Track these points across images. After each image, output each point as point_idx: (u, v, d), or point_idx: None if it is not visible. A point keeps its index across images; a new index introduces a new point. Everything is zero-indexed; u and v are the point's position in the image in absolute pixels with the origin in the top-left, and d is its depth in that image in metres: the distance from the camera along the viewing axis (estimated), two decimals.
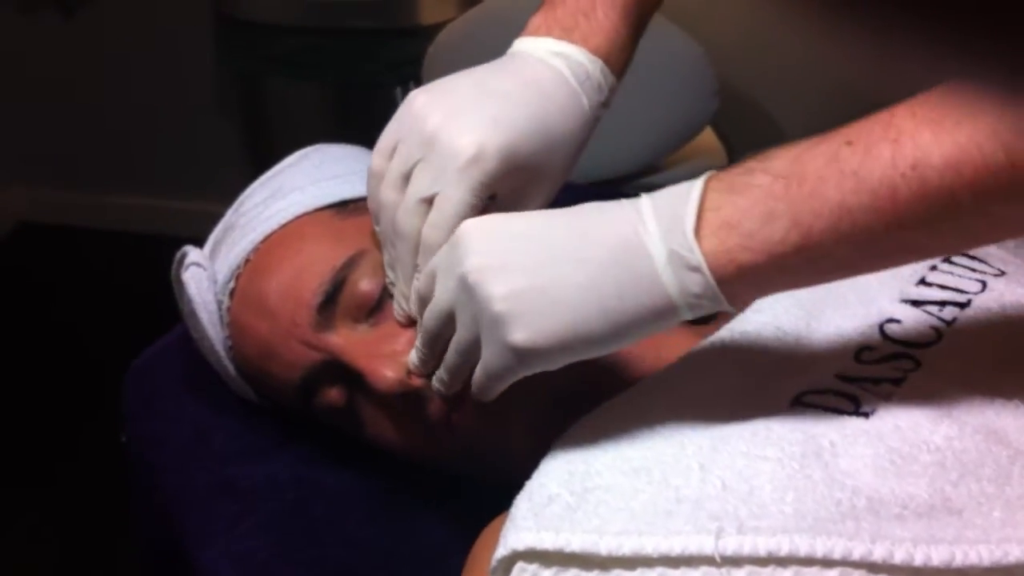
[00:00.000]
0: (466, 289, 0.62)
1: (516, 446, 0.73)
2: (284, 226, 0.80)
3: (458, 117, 0.67)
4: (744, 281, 0.58)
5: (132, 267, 1.93)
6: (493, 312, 0.61)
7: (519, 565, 0.59)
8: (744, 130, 1.61)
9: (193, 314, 0.81)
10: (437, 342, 0.68)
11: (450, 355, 0.67)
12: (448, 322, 0.66)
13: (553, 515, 0.59)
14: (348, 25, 1.87)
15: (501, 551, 0.60)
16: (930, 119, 0.53)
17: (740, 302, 0.60)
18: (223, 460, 0.87)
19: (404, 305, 0.73)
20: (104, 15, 2.37)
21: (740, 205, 0.58)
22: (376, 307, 0.75)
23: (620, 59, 0.74)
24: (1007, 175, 0.51)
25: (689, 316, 0.60)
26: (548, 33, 0.72)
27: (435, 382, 0.70)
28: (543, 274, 0.60)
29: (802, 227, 0.56)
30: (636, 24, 0.75)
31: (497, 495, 0.68)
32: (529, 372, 0.63)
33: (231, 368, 0.83)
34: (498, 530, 0.62)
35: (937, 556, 0.53)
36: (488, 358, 0.63)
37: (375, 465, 0.84)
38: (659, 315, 0.60)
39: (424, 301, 0.68)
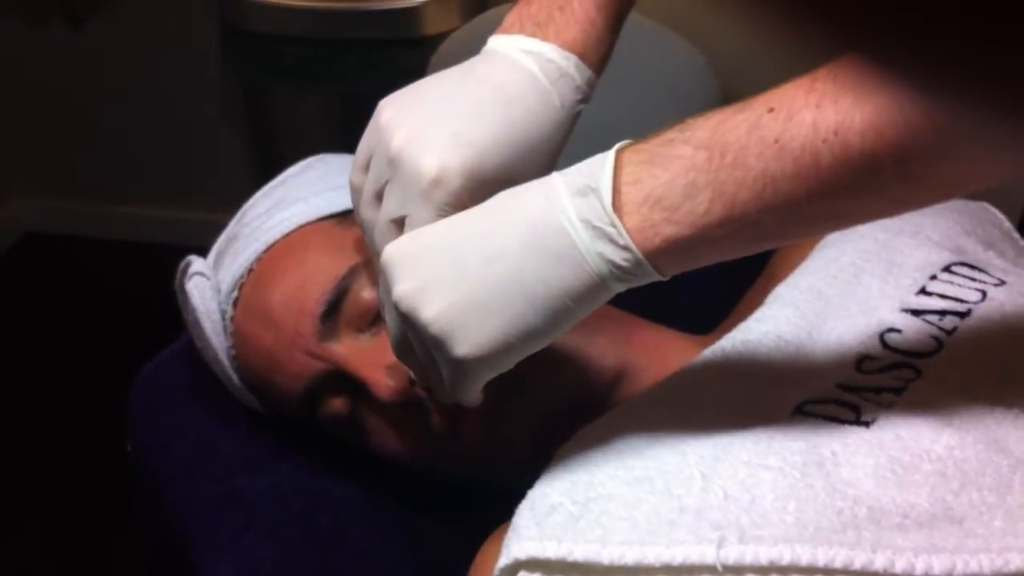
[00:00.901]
0: (399, 311, 0.61)
1: (519, 455, 0.73)
2: (287, 236, 0.80)
3: (420, 136, 0.65)
4: (671, 252, 0.57)
5: (138, 277, 1.93)
6: (431, 336, 0.60)
7: (521, 574, 0.59)
8: None
9: (197, 323, 0.82)
10: (411, 356, 0.67)
11: (421, 370, 0.67)
12: (409, 345, 0.65)
13: (556, 524, 0.60)
14: (352, 35, 1.87)
15: (504, 560, 0.60)
16: (852, 82, 0.52)
17: (670, 271, 0.59)
18: (228, 470, 0.87)
19: None
20: (111, 27, 2.38)
21: (661, 178, 0.57)
22: (378, 316, 0.75)
23: (597, 52, 0.71)
24: (929, 135, 0.49)
25: (620, 289, 0.60)
26: (520, 30, 0.70)
27: (436, 392, 0.70)
28: (466, 281, 0.60)
29: (726, 198, 0.55)
30: (614, 15, 0.72)
31: (501, 505, 0.68)
32: (487, 378, 0.63)
33: (235, 377, 0.84)
34: (501, 539, 0.63)
35: (938, 565, 0.53)
36: (446, 374, 0.63)
37: (380, 475, 0.84)
38: (591, 293, 0.59)
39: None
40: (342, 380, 0.75)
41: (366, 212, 0.69)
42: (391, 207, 0.66)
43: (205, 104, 2.42)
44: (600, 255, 0.57)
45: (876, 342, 0.69)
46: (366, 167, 0.69)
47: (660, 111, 1.48)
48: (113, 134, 2.49)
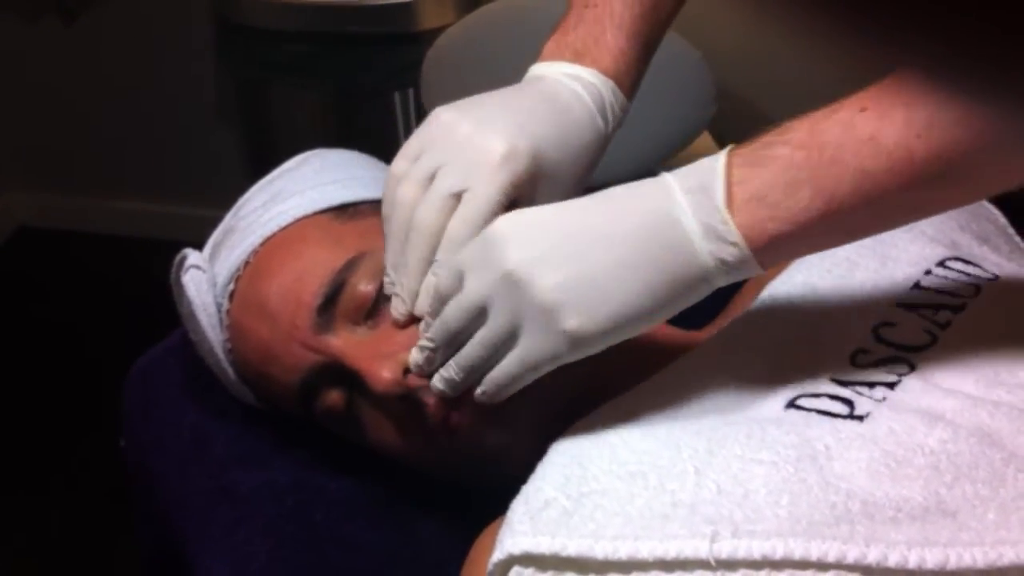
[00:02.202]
0: (510, 283, 0.64)
1: (515, 449, 0.73)
2: (284, 229, 0.80)
3: (488, 124, 0.71)
4: (773, 248, 0.61)
5: (133, 272, 1.93)
6: (545, 302, 0.63)
7: (515, 569, 0.59)
8: (742, 135, 1.61)
9: (192, 316, 0.82)
10: (456, 339, 0.68)
11: (473, 350, 0.67)
12: (476, 317, 0.66)
13: (549, 519, 0.60)
14: (347, 30, 1.87)
15: (498, 555, 0.60)
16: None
17: (768, 265, 0.63)
18: (223, 465, 0.87)
19: (407, 304, 0.73)
20: (105, 22, 2.37)
21: (764, 178, 0.61)
22: (374, 309, 0.75)
23: (628, 80, 0.77)
24: (1017, 126, 0.53)
25: (722, 284, 0.64)
26: (561, 57, 0.76)
27: (439, 383, 0.70)
28: (587, 260, 0.63)
29: (825, 194, 0.60)
30: (644, 46, 0.78)
31: (496, 500, 0.68)
32: (575, 358, 0.65)
33: (231, 371, 0.84)
34: (495, 534, 0.63)
35: (931, 559, 0.53)
36: (530, 348, 0.65)
37: (375, 470, 0.84)
38: (696, 286, 0.63)
39: (444, 298, 0.68)
40: (338, 373, 0.75)
41: (408, 191, 0.71)
42: (450, 182, 0.70)
43: (200, 99, 2.42)
44: (711, 252, 0.62)
45: (870, 336, 0.69)
46: (415, 157, 0.72)
47: (655, 105, 1.48)
48: (107, 128, 2.48)
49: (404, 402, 0.73)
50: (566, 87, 0.74)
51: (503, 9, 1.53)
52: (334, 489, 0.85)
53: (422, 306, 0.72)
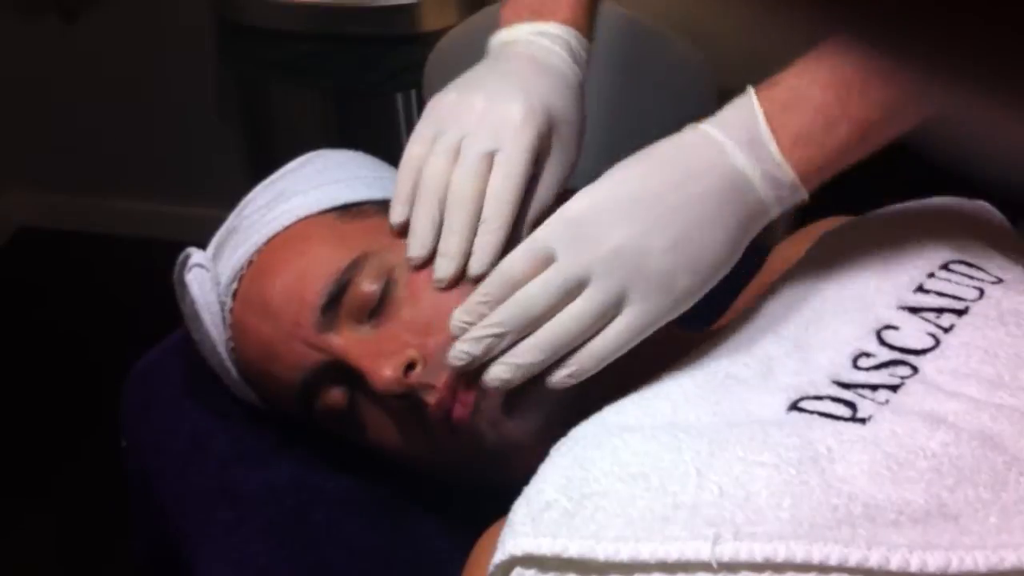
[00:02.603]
0: (621, 256, 0.67)
1: (515, 450, 0.73)
2: (287, 229, 0.80)
3: (497, 93, 0.77)
4: (818, 177, 0.70)
5: (134, 272, 1.93)
6: (663, 267, 0.68)
7: (517, 570, 0.59)
8: None
9: (196, 315, 0.82)
10: (535, 321, 0.69)
11: (565, 326, 0.69)
12: (565, 296, 0.68)
13: (551, 521, 0.59)
14: (349, 31, 1.87)
15: (499, 556, 0.60)
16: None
17: (813, 189, 0.71)
18: (223, 465, 0.87)
19: (456, 261, 0.74)
20: (105, 21, 2.38)
21: (804, 120, 0.69)
22: (377, 308, 0.75)
23: (586, 24, 0.84)
24: None
25: (776, 215, 0.72)
26: (520, 19, 0.83)
27: (504, 372, 0.70)
28: (682, 222, 0.68)
29: (858, 124, 0.69)
30: None
31: (497, 501, 0.68)
32: (677, 315, 0.70)
33: (233, 370, 0.84)
34: (496, 535, 0.63)
35: (933, 562, 0.53)
36: (642, 313, 0.68)
37: (375, 471, 0.84)
38: (759, 222, 0.71)
39: (518, 281, 0.70)
40: (340, 371, 0.75)
41: (439, 162, 0.76)
42: (479, 146, 0.75)
43: (200, 99, 2.42)
44: (771, 194, 0.70)
45: (873, 339, 0.69)
46: (431, 140, 0.77)
47: (657, 106, 1.48)
48: (107, 129, 2.48)
49: (404, 401, 0.73)
50: (539, 45, 0.81)
51: None
52: (334, 490, 0.85)
53: (477, 267, 0.73)
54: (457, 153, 0.75)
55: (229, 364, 0.83)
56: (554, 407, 0.72)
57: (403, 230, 0.77)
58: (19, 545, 1.89)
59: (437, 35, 1.60)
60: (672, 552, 0.56)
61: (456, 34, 1.58)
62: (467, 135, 0.75)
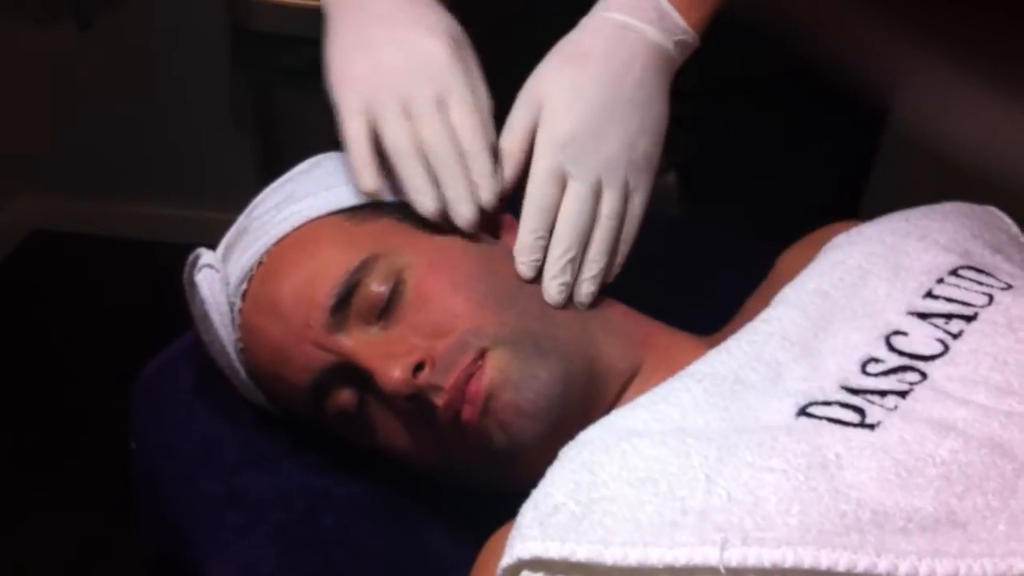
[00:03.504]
0: (617, 156, 0.80)
1: (524, 451, 0.73)
2: (297, 230, 0.81)
3: (404, 41, 0.83)
4: (704, 23, 0.85)
5: (146, 275, 1.94)
6: (643, 151, 0.82)
7: (524, 574, 0.59)
8: None
9: (205, 316, 0.82)
10: (583, 236, 0.80)
11: (608, 226, 0.81)
12: (597, 197, 0.80)
13: (559, 525, 0.59)
14: None
15: (507, 560, 0.60)
16: None
17: (702, 32, 0.85)
18: (231, 470, 0.87)
19: (471, 206, 0.80)
20: (119, 27, 2.39)
21: None
22: (387, 310, 0.76)
23: None
24: None
25: (680, 62, 0.85)
26: None
27: (592, 285, 0.81)
28: (639, 107, 0.82)
29: None
30: None
31: (505, 506, 0.68)
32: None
33: (242, 372, 0.84)
34: (504, 539, 0.63)
35: (941, 569, 0.53)
36: (642, 195, 0.83)
37: (384, 475, 0.84)
38: (672, 72, 0.85)
39: (552, 207, 0.80)
40: (350, 373, 0.76)
41: (399, 126, 0.80)
42: (426, 95, 0.80)
43: (212, 103, 2.42)
44: (675, 46, 0.84)
45: (882, 345, 0.68)
46: (365, 111, 0.81)
47: None
48: (120, 133, 2.50)
49: (413, 403, 0.73)
50: None
51: None
52: (342, 494, 0.85)
53: (486, 196, 0.80)
54: (408, 112, 0.79)
55: (238, 365, 0.83)
56: (560, 412, 0.73)
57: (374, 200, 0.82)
58: (22, 545, 1.89)
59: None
60: (680, 557, 0.55)
61: None
62: (406, 92, 0.80)
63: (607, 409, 0.73)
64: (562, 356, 0.75)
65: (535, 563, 0.59)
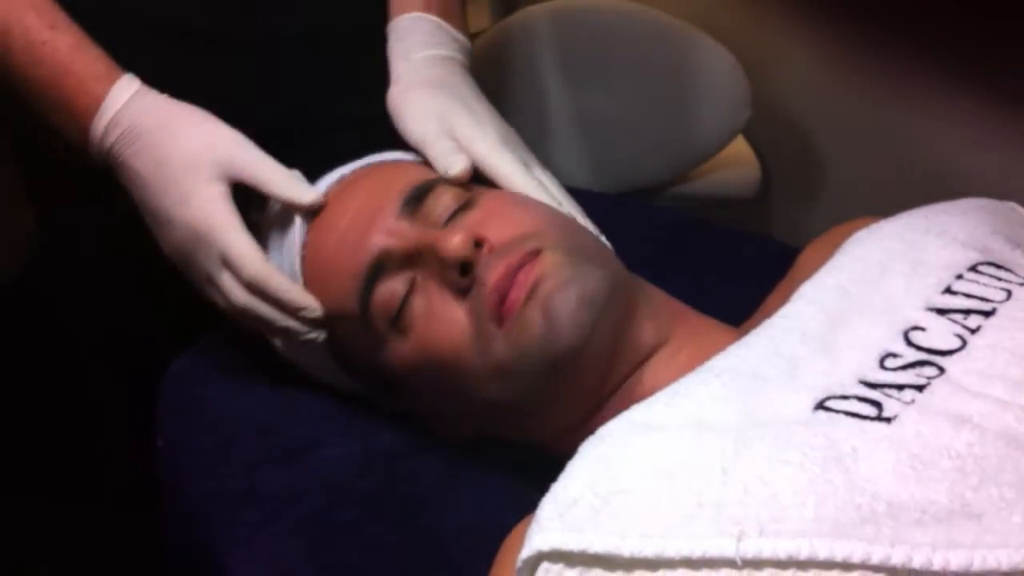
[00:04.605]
0: (511, 136, 0.97)
1: (560, 361, 0.76)
2: (382, 161, 0.94)
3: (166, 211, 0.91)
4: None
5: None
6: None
7: (544, 565, 0.60)
8: (776, 139, 1.60)
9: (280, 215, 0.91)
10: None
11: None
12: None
13: (577, 517, 0.60)
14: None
15: (526, 551, 0.60)
16: None
17: None
18: (251, 466, 0.88)
19: None
20: None
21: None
22: (455, 215, 0.83)
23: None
24: None
25: None
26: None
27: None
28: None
29: None
30: None
31: (521, 506, 0.69)
32: None
33: (299, 269, 0.89)
34: (523, 532, 0.63)
35: (956, 561, 0.53)
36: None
37: (402, 473, 0.85)
38: None
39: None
40: (408, 258, 0.82)
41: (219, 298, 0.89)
42: (210, 266, 0.89)
43: None
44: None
45: (900, 339, 0.69)
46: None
47: (689, 109, 1.48)
48: None
49: (466, 276, 0.78)
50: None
51: (540, 13, 1.53)
52: (360, 491, 0.86)
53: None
54: (212, 283, 0.89)
55: (298, 267, 0.88)
56: (600, 321, 0.76)
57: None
58: (20, 545, 1.90)
59: (470, 39, 1.61)
60: (697, 549, 0.56)
61: (489, 38, 1.58)
62: (202, 266, 0.88)
63: (628, 374, 0.79)
64: (612, 276, 0.80)
65: (554, 555, 0.60)
